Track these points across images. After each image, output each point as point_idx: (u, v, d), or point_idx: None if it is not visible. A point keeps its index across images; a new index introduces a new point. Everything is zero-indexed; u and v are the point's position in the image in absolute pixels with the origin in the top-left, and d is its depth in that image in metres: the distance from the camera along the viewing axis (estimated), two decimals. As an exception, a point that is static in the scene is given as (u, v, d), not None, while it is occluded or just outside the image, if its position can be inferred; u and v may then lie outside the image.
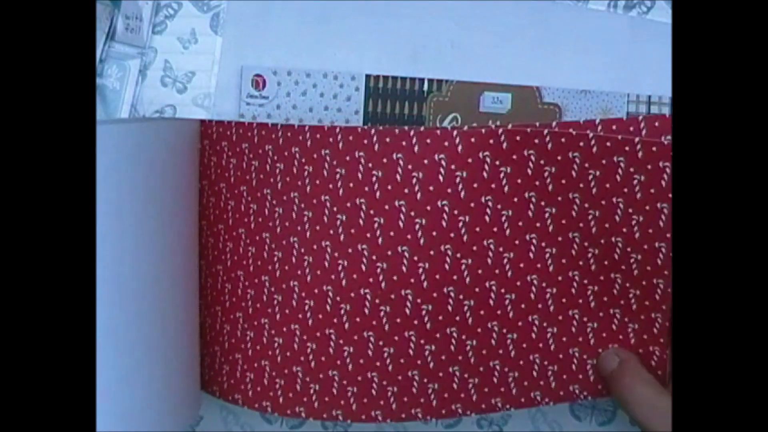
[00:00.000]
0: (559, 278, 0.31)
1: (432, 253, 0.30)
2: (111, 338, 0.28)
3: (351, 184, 0.31)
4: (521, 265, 0.31)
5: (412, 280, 0.31)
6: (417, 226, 0.30)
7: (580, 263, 0.31)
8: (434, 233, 0.30)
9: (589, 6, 0.37)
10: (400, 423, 0.37)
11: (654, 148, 0.28)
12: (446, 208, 0.30)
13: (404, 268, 0.31)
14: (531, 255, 0.31)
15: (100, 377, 0.27)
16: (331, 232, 0.31)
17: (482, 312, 0.31)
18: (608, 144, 0.28)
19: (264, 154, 0.33)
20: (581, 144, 0.29)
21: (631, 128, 0.29)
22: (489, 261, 0.31)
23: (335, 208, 0.31)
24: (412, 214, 0.30)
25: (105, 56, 0.37)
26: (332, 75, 0.37)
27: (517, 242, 0.31)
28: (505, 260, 0.31)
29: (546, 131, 0.29)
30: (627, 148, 0.28)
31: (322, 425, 0.37)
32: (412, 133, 0.30)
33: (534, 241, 0.31)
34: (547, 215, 0.30)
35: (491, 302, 0.31)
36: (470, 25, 0.37)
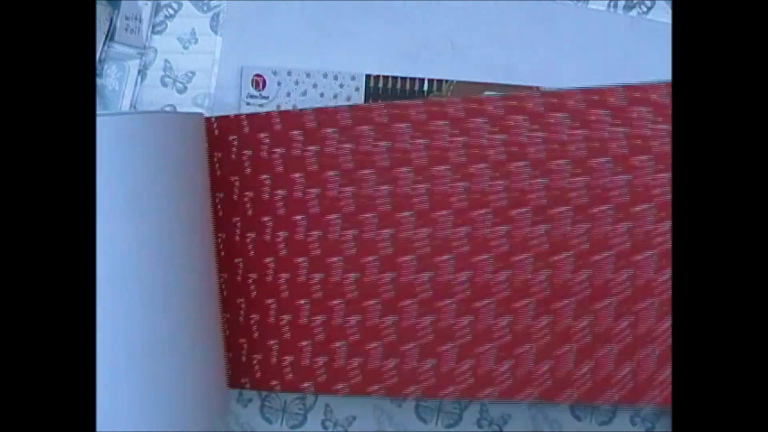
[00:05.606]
0: (595, 258, 0.31)
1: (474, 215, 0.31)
2: (113, 336, 0.28)
3: (396, 155, 0.32)
4: (558, 239, 0.31)
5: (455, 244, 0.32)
6: (461, 189, 0.32)
7: (615, 240, 0.31)
8: (476, 196, 0.31)
9: (589, 6, 0.37)
10: (400, 423, 0.37)
11: None
12: (487, 171, 0.31)
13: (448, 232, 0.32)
14: (568, 228, 0.31)
15: (115, 380, 0.27)
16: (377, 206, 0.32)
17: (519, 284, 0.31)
18: (636, 94, 0.29)
19: (290, 139, 0.33)
20: (611, 99, 0.30)
21: (654, 95, 0.30)
22: (526, 230, 0.31)
23: (381, 179, 0.32)
24: (458, 177, 0.32)
25: (104, 56, 0.37)
26: (332, 75, 0.37)
27: (554, 212, 0.31)
28: (542, 231, 0.31)
29: (579, 90, 0.30)
30: (654, 96, 0.29)
31: (322, 425, 0.37)
32: (458, 99, 0.32)
33: (570, 213, 0.31)
34: (581, 185, 0.31)
35: (527, 275, 0.31)
36: (470, 25, 0.37)
